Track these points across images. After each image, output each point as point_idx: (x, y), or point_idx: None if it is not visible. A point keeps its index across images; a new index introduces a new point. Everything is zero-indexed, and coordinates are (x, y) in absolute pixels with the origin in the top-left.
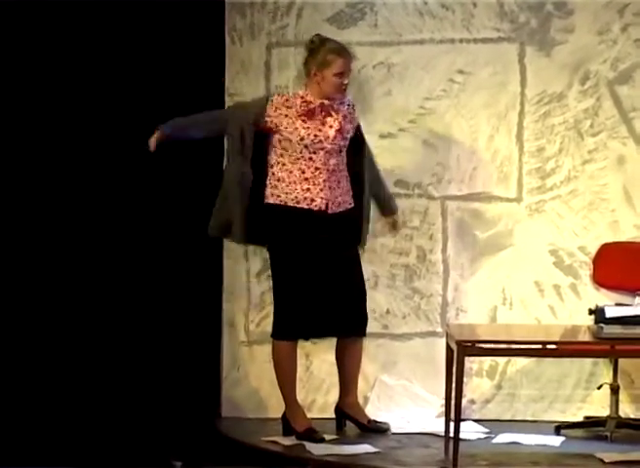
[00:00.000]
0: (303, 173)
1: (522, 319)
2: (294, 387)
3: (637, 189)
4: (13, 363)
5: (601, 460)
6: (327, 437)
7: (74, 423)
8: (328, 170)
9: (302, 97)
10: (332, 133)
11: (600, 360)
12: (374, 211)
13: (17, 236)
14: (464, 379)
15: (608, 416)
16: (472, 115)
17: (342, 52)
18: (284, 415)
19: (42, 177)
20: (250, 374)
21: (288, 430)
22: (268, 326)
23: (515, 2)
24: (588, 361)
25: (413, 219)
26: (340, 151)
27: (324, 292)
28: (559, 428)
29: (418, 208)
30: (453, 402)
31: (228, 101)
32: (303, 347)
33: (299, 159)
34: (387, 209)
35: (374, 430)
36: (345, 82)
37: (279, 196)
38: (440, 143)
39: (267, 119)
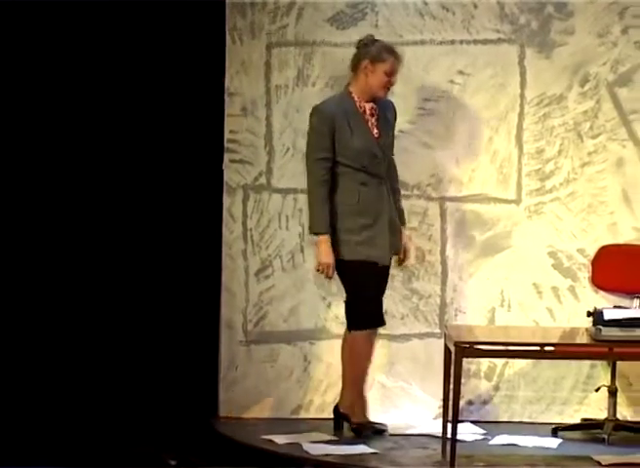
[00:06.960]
0: None
1: (520, 321)
2: (365, 378)
3: (636, 192)
4: (9, 363)
5: (598, 463)
6: (324, 437)
7: (71, 423)
8: None
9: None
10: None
11: (598, 362)
12: None
13: (17, 236)
14: (462, 381)
15: (605, 419)
16: (472, 116)
17: (396, 53)
18: (337, 408)
19: (42, 178)
20: (247, 374)
21: (339, 425)
22: (267, 325)
23: (515, 4)
24: (586, 363)
25: (412, 220)
26: None
27: (381, 283)
28: (556, 430)
29: (416, 209)
30: (450, 403)
31: (228, 101)
32: (302, 348)
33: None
34: None
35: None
36: (393, 81)
37: None
38: (440, 144)
39: None
